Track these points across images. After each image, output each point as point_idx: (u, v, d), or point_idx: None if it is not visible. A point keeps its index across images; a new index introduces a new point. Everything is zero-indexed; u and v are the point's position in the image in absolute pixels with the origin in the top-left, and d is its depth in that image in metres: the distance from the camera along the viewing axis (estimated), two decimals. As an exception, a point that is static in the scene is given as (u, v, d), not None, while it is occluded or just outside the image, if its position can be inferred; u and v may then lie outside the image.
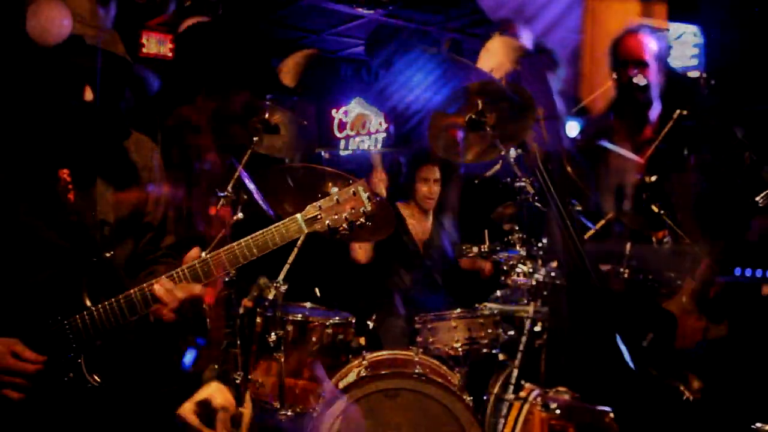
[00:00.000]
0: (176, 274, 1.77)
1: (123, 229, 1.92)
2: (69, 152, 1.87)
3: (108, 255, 1.82)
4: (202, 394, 2.22)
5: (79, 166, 1.88)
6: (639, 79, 2.85)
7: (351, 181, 1.85)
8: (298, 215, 1.80)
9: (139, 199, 1.98)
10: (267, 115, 3.12)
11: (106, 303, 1.77)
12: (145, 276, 1.90)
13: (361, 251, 3.82)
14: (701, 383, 2.68)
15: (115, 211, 1.91)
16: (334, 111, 8.08)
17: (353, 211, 1.80)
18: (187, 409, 2.15)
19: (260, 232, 1.80)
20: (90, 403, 1.77)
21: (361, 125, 8.12)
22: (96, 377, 1.76)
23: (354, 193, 1.80)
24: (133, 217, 1.97)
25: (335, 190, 1.81)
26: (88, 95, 1.81)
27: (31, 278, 1.77)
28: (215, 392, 2.23)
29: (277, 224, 1.80)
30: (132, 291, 1.77)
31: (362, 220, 1.80)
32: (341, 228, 1.82)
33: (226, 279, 3.16)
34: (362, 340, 3.50)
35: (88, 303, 1.77)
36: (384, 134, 8.00)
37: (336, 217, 1.80)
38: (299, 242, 2.96)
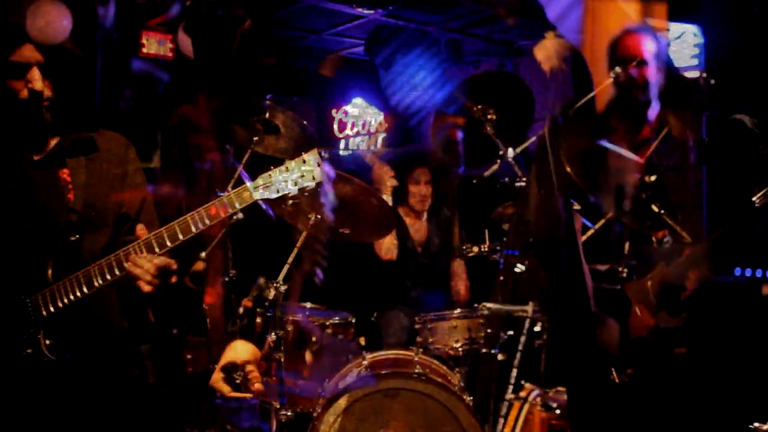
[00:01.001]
0: (132, 248, 1.85)
1: (96, 217, 1.98)
2: (30, 137, 1.95)
3: (73, 239, 1.89)
4: (225, 358, 2.26)
5: (41, 152, 1.96)
6: (638, 77, 2.85)
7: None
8: (248, 183, 1.87)
9: (113, 191, 2.03)
10: (267, 115, 3.12)
11: (66, 279, 1.85)
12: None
13: (387, 248, 3.83)
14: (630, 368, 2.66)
15: (85, 198, 1.96)
16: (334, 111, 8.08)
17: (302, 177, 1.87)
18: (217, 380, 2.20)
19: (212, 202, 1.85)
20: (49, 378, 1.85)
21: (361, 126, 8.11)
22: (51, 352, 1.84)
23: (304, 161, 1.88)
24: (108, 208, 2.02)
25: (287, 162, 1.89)
26: (38, 84, 1.85)
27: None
28: (237, 351, 2.26)
29: (227, 193, 1.86)
30: (90, 267, 1.85)
31: (311, 185, 1.87)
32: (290, 194, 1.88)
33: (226, 279, 3.16)
34: (362, 340, 3.51)
35: (51, 281, 1.85)
36: (384, 134, 8.00)
37: (285, 183, 1.87)
38: (299, 242, 2.96)
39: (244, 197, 1.87)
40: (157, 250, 1.84)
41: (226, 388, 2.22)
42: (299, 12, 5.93)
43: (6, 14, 1.89)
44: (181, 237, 1.84)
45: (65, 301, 1.85)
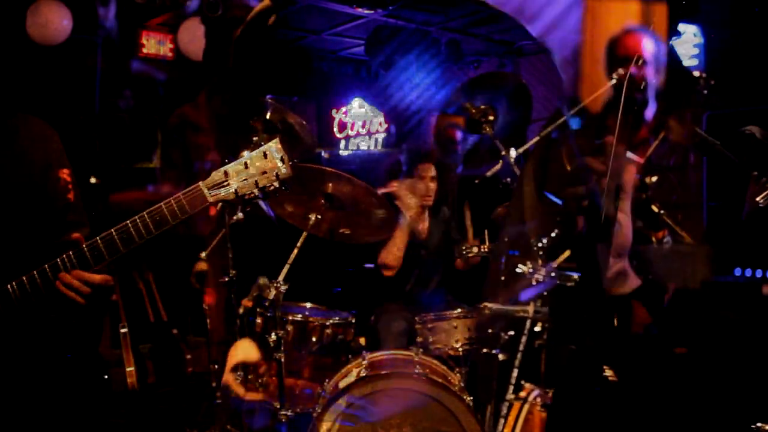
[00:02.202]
0: (61, 261, 1.59)
1: (14, 209, 1.72)
2: None
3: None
4: (233, 358, 2.17)
5: None
6: (637, 77, 2.85)
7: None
8: (201, 183, 1.59)
9: (32, 180, 1.77)
10: (268, 115, 3.12)
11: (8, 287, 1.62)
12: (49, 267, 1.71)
13: (395, 256, 3.82)
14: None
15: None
16: (334, 111, 8.08)
17: (265, 174, 1.57)
18: (230, 380, 2.10)
19: (158, 205, 1.57)
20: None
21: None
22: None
23: (265, 155, 1.58)
24: (28, 198, 1.75)
25: (245, 153, 1.58)
26: None
27: None
28: (246, 351, 2.20)
29: (177, 195, 1.58)
30: (9, 285, 1.62)
31: (275, 185, 1.58)
32: (251, 194, 1.59)
33: (226, 279, 3.16)
34: (362, 340, 3.51)
35: None
36: (384, 134, 8.00)
37: (245, 182, 1.57)
38: (299, 242, 2.96)
39: (196, 200, 1.58)
40: (92, 265, 1.59)
41: (241, 390, 2.13)
42: (299, 12, 5.93)
43: None
44: (121, 249, 1.57)
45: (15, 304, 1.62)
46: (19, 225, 1.73)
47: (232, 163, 1.59)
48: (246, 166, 1.58)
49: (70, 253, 1.60)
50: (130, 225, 1.57)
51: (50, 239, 1.76)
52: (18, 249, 1.70)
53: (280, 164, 1.57)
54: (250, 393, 2.22)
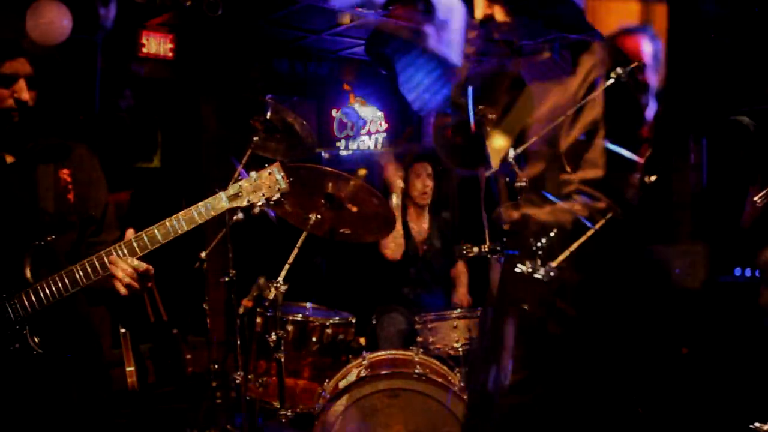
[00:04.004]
0: (114, 249, 1.95)
1: (65, 221, 2.08)
2: (7, 141, 2.05)
3: (49, 239, 1.99)
4: None
5: (18, 153, 2.07)
6: (638, 81, 2.85)
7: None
8: (221, 193, 2.03)
9: (80, 195, 2.13)
10: (268, 115, 3.12)
11: (49, 278, 1.94)
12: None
13: (393, 248, 3.83)
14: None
15: (56, 201, 2.07)
16: (334, 111, 8.07)
17: (270, 188, 2.05)
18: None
19: (187, 209, 1.99)
20: (37, 371, 1.95)
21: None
22: (39, 346, 1.93)
23: (270, 174, 2.06)
24: (75, 211, 2.11)
25: (253, 173, 2.06)
26: (24, 95, 1.97)
27: None
28: None
29: (204, 201, 2.01)
30: (73, 267, 1.94)
31: (278, 196, 2.07)
32: (259, 203, 2.06)
33: (226, 279, 3.17)
34: (362, 340, 3.51)
35: (31, 280, 1.95)
36: (384, 134, 7.99)
37: (255, 194, 2.05)
38: (299, 242, 2.96)
39: (217, 206, 2.01)
40: (138, 252, 1.95)
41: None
42: (299, 12, 5.92)
43: (3, 29, 2.00)
44: (161, 240, 1.96)
45: (50, 299, 1.94)
46: (68, 233, 2.09)
47: (244, 179, 2.06)
48: (255, 181, 2.06)
49: (122, 243, 1.96)
50: (167, 223, 1.97)
51: (96, 244, 2.12)
52: (66, 252, 2.06)
53: (281, 181, 2.07)
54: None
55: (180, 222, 1.97)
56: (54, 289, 1.94)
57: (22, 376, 1.93)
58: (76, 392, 2.04)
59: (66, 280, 1.94)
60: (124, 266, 1.92)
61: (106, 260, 1.94)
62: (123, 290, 1.93)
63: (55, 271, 1.94)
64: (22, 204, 2.03)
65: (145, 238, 1.96)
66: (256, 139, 3.11)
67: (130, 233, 1.99)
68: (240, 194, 2.04)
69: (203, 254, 3.29)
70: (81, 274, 1.94)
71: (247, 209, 2.17)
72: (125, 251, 1.95)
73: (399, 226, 3.75)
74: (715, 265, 2.78)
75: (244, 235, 3.28)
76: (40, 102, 2.04)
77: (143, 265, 1.94)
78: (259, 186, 2.05)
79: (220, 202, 2.02)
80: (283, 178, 2.06)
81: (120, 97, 5.58)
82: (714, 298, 3.14)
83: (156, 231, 1.96)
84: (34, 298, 1.93)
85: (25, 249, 1.97)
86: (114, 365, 3.83)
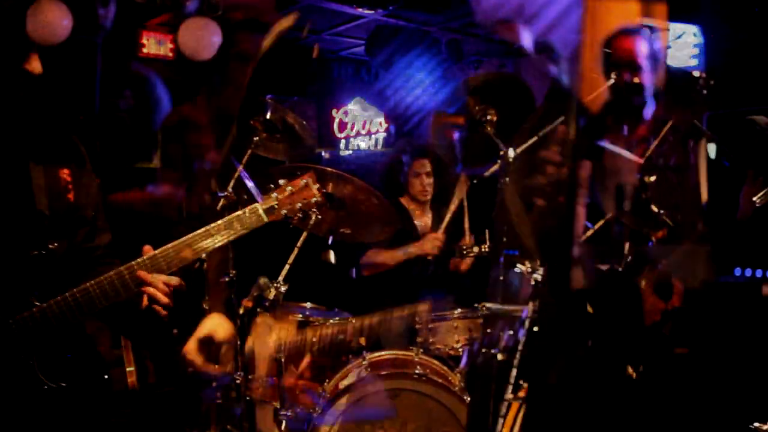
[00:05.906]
0: (137, 265, 1.73)
1: (61, 223, 1.84)
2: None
3: (52, 247, 1.74)
4: (203, 329, 2.24)
5: (16, 151, 1.82)
6: (633, 82, 2.85)
7: (299, 173, 1.95)
8: (258, 205, 1.91)
9: (71, 196, 1.90)
10: (268, 115, 3.12)
11: (59, 298, 1.67)
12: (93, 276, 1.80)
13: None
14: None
15: (52, 203, 1.82)
16: (334, 111, 8.07)
17: (305, 201, 1.96)
18: (191, 348, 2.18)
19: (221, 221, 1.84)
20: (50, 406, 1.71)
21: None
22: (51, 379, 1.70)
23: (306, 185, 1.96)
24: (73, 212, 1.88)
25: (285, 184, 1.96)
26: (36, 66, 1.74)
27: None
28: (216, 327, 2.27)
29: (237, 214, 1.87)
30: (88, 285, 1.68)
31: (314, 209, 2.00)
32: (295, 217, 1.98)
33: (226, 279, 3.16)
34: (362, 340, 3.50)
35: (35, 300, 1.68)
36: (384, 134, 7.99)
37: (290, 206, 1.95)
38: (299, 242, 2.96)
39: (255, 223, 1.90)
40: (165, 269, 1.76)
41: (199, 360, 2.19)
42: (299, 12, 5.92)
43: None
44: (189, 257, 1.77)
45: (60, 322, 1.68)
46: (62, 239, 1.85)
47: (279, 190, 1.95)
48: (291, 193, 1.96)
49: (144, 259, 1.74)
50: (200, 235, 1.83)
51: (91, 249, 1.93)
52: (63, 254, 1.83)
53: (316, 193, 1.98)
54: (209, 365, 2.21)
55: (214, 237, 1.82)
56: (66, 310, 1.66)
57: (27, 407, 1.70)
58: (77, 399, 1.83)
59: (80, 301, 1.67)
60: (157, 283, 1.71)
61: (128, 279, 1.69)
62: (163, 312, 1.75)
63: (59, 284, 1.68)
64: (18, 205, 1.78)
65: (172, 253, 1.75)
66: (256, 139, 3.11)
67: (147, 249, 1.77)
68: (276, 206, 1.93)
69: (203, 254, 3.28)
70: (99, 294, 1.67)
71: (286, 221, 2.03)
72: (150, 268, 1.73)
73: (400, 259, 3.83)
74: (715, 265, 2.77)
75: (244, 235, 3.27)
76: (43, 100, 1.89)
77: (176, 280, 1.77)
78: (294, 198, 1.95)
79: (256, 214, 1.89)
80: (318, 189, 1.97)
81: (120, 97, 5.58)
82: (714, 298, 3.14)
83: (186, 246, 1.75)
84: (41, 321, 1.66)
85: (24, 259, 1.70)
86: (114, 365, 3.83)
